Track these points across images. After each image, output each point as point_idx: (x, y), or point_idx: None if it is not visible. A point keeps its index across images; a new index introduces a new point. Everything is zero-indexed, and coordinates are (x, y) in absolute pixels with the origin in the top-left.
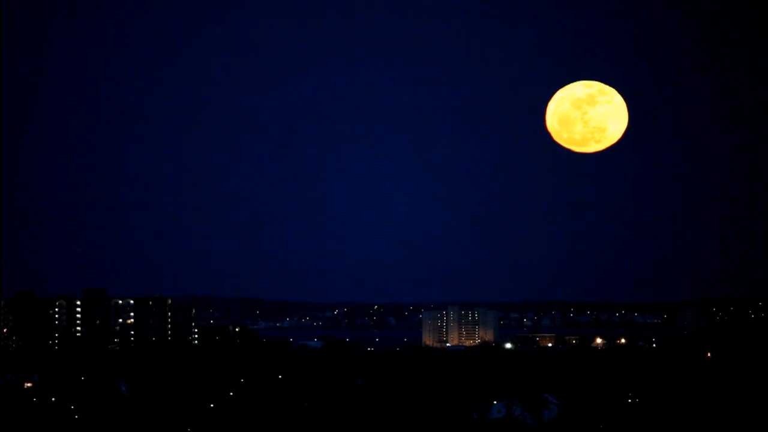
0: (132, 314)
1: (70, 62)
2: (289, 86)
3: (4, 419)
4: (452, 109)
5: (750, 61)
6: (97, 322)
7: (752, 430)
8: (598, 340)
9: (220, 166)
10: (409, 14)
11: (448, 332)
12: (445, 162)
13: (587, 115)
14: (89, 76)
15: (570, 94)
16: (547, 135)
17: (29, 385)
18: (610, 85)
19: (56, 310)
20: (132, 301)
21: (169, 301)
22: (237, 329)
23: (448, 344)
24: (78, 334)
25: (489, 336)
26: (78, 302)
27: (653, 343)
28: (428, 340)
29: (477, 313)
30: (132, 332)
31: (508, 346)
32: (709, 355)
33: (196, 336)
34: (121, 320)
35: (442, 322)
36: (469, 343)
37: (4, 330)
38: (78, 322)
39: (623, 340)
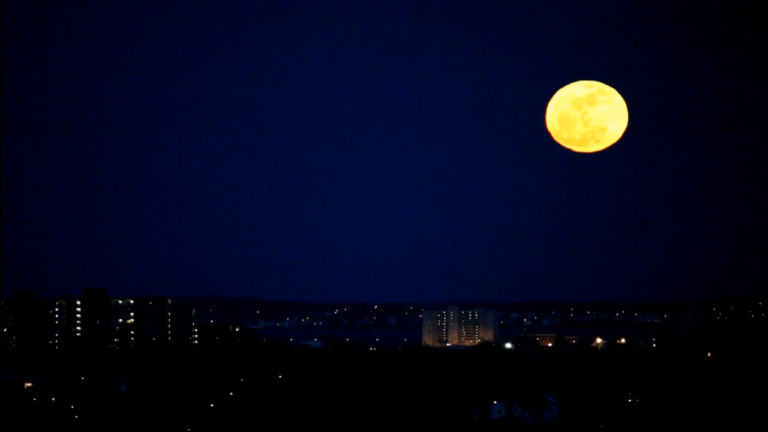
0: (132, 314)
1: (70, 62)
2: (289, 86)
3: (4, 419)
4: (452, 109)
5: (750, 61)
6: (97, 322)
7: (752, 430)
8: (598, 340)
9: (221, 166)
10: (409, 14)
11: (448, 332)
12: (445, 162)
13: (587, 115)
14: (89, 76)
15: (570, 93)
16: (547, 135)
17: (29, 385)
18: (610, 85)
19: (56, 310)
20: (132, 301)
21: (169, 301)
22: (237, 329)
23: (448, 344)
24: (78, 334)
25: (489, 336)
26: (78, 302)
27: (653, 343)
28: (428, 340)
29: (477, 313)
30: (132, 332)
31: (508, 346)
32: (709, 355)
33: (196, 336)
34: (121, 320)
35: (442, 322)
36: (469, 343)
37: (4, 330)
38: (78, 322)
39: (623, 340)
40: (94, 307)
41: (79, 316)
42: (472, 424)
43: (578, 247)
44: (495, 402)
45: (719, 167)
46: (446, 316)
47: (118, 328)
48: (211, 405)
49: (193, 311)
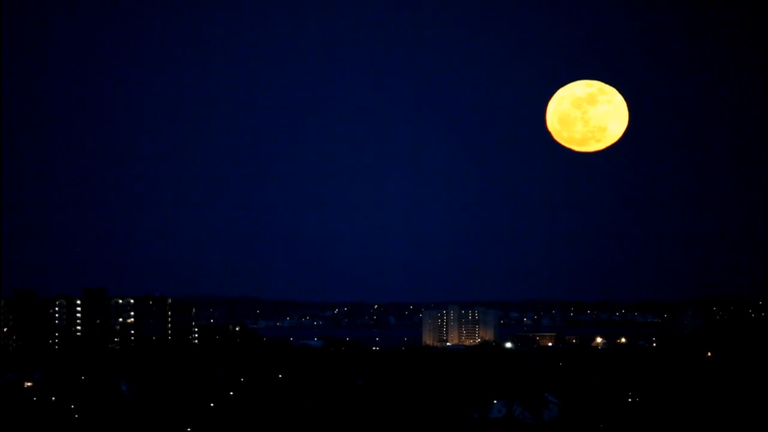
0: (132, 314)
1: (70, 62)
2: (289, 86)
3: (4, 419)
4: (452, 108)
5: (750, 60)
6: (97, 321)
7: (752, 429)
8: (599, 340)
9: (220, 166)
10: (409, 14)
11: (448, 332)
12: (445, 162)
13: (587, 115)
14: (89, 76)
15: (570, 93)
16: (548, 134)
17: (29, 384)
18: (611, 85)
19: (56, 309)
20: (132, 301)
21: (169, 301)
22: (237, 329)
23: (448, 344)
24: (78, 334)
25: (489, 335)
26: (78, 302)
27: (653, 342)
28: (428, 339)
29: (477, 313)
30: (132, 331)
31: (509, 345)
32: (709, 354)
33: (196, 335)
34: (121, 320)
35: (442, 321)
36: (469, 342)
37: (5, 329)
38: (78, 321)
39: (623, 340)
40: (94, 306)
41: (79, 315)
42: (472, 423)
43: (578, 247)
44: (495, 401)
45: (719, 167)
46: (446, 316)
47: (118, 327)
48: (211, 405)
49: (193, 311)
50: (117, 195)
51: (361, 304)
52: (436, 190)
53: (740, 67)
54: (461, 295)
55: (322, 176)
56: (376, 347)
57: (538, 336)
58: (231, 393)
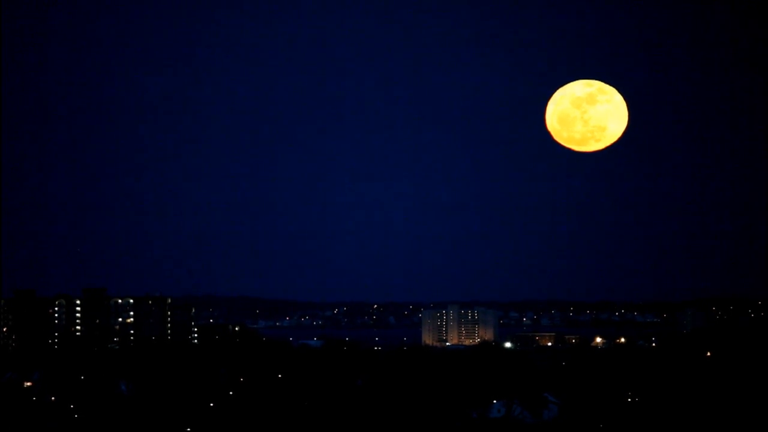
0: (132, 313)
1: (70, 62)
2: (288, 86)
3: (4, 418)
4: (452, 108)
5: (751, 60)
6: (97, 321)
7: (752, 429)
8: (598, 340)
9: (220, 165)
10: (408, 14)
11: (447, 331)
12: (445, 161)
13: (587, 114)
14: (89, 76)
15: (570, 93)
16: (547, 134)
17: (29, 384)
18: (610, 85)
19: (56, 309)
20: (132, 300)
21: (169, 301)
22: (237, 328)
23: (447, 343)
24: (78, 333)
25: (489, 335)
26: (78, 301)
27: (653, 342)
28: (428, 339)
29: (477, 313)
30: (132, 331)
31: (508, 345)
32: (709, 354)
33: (196, 335)
34: (120, 319)
35: (441, 321)
36: (468, 342)
37: (4, 329)
38: (78, 321)
39: (623, 340)
40: (94, 306)
41: (78, 315)
42: (472, 423)
43: (578, 247)
44: (495, 401)
45: (719, 167)
46: (446, 316)
47: (117, 327)
48: (211, 404)
49: (193, 310)
50: (117, 195)
51: (361, 304)
52: (436, 189)
53: (740, 67)
54: (461, 295)
55: (322, 176)
56: (376, 347)
57: (538, 336)
58: (231, 393)
